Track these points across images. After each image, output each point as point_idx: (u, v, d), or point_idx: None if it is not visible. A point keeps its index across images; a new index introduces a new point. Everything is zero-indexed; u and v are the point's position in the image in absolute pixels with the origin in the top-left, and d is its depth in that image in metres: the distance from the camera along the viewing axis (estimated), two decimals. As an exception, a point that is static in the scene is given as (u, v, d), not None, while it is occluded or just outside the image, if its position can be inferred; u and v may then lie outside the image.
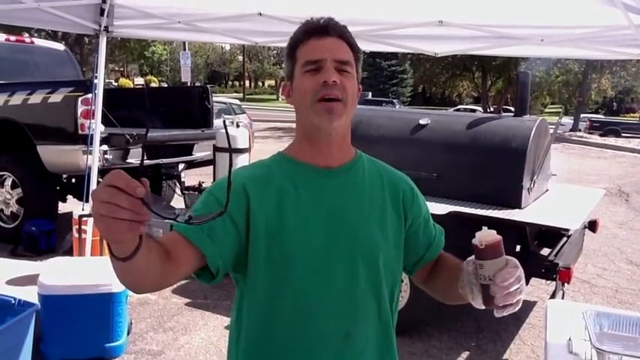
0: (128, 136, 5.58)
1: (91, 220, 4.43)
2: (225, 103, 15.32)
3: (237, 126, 6.01)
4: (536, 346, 3.90)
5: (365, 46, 3.83)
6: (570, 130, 24.85)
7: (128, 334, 3.72)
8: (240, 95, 49.17)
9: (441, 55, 4.41)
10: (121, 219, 0.83)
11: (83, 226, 4.57)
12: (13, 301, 2.87)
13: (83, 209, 4.78)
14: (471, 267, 1.15)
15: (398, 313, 1.34)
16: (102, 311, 3.41)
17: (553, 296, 3.70)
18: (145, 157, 6.05)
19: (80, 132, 5.28)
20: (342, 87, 1.19)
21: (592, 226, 4.43)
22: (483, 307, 1.15)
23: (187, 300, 4.53)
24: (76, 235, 4.66)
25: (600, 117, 31.06)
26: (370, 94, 26.35)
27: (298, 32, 1.25)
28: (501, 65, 24.01)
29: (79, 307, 3.35)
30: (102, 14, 4.33)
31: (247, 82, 66.41)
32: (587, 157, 17.11)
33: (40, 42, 7.74)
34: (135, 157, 5.84)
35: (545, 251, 4.07)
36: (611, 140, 22.17)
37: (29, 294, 3.18)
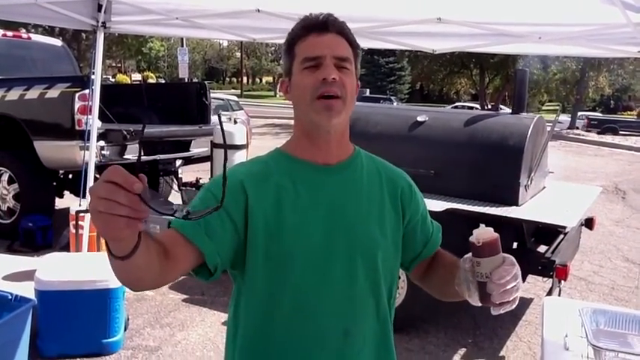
0: (125, 132, 5.57)
1: (87, 216, 4.42)
2: (222, 100, 15.32)
3: (235, 122, 5.99)
4: (533, 343, 3.91)
5: (363, 43, 3.82)
6: (568, 128, 24.89)
7: (125, 329, 3.72)
8: (238, 92, 49.08)
9: (439, 52, 4.41)
10: (119, 215, 0.82)
11: (80, 222, 4.56)
12: (10, 297, 2.87)
13: (80, 205, 4.77)
14: (468, 264, 1.14)
15: (395, 310, 1.35)
16: (99, 307, 3.41)
17: (550, 293, 3.71)
18: (142, 153, 6.05)
19: (77, 128, 5.27)
20: (341, 84, 1.18)
21: (589, 223, 4.44)
22: (480, 305, 1.15)
23: (184, 296, 4.53)
24: (72, 230, 4.65)
25: (598, 115, 31.08)
26: (368, 91, 26.28)
27: (297, 28, 1.24)
28: (499, 63, 24.01)
29: (76, 302, 3.34)
30: (99, 10, 4.32)
31: (245, 79, 66.26)
32: (585, 154, 17.13)
33: (37, 38, 7.70)
34: (132, 153, 5.82)
35: (542, 248, 4.08)
36: (608, 138, 22.20)
37: (26, 289, 3.18)
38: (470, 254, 1.14)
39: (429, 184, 3.64)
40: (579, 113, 27.55)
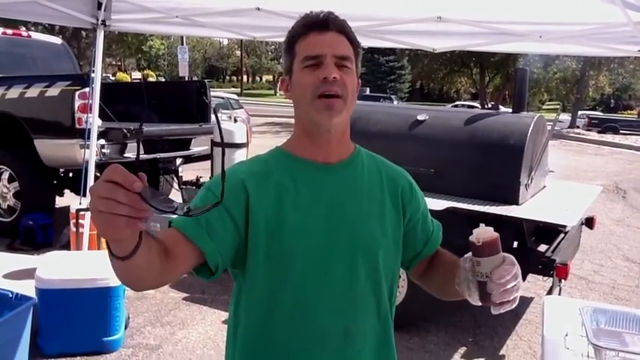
0: (125, 131, 5.56)
1: (88, 215, 4.42)
2: (222, 98, 15.33)
3: (235, 121, 5.99)
4: (533, 342, 3.91)
5: (363, 42, 3.81)
6: (568, 127, 24.88)
7: (126, 328, 3.72)
8: (238, 90, 49.05)
9: (439, 51, 4.40)
10: (119, 215, 0.82)
11: (80, 220, 4.56)
12: (11, 295, 2.87)
13: (80, 203, 4.77)
14: (468, 264, 1.14)
15: (395, 308, 1.34)
16: (99, 305, 3.41)
17: (550, 292, 3.71)
18: (141, 152, 6.04)
19: (77, 126, 5.26)
20: (342, 83, 1.17)
21: (589, 222, 4.44)
22: (480, 304, 1.15)
23: (185, 294, 4.53)
24: (73, 229, 4.65)
25: (599, 114, 31.06)
26: (368, 89, 26.32)
27: (297, 26, 1.23)
28: (499, 62, 24.00)
29: (77, 301, 3.34)
30: (99, 8, 4.32)
31: (245, 77, 66.22)
32: (585, 153, 17.13)
33: (37, 36, 7.70)
34: (132, 152, 5.82)
35: (542, 247, 4.08)
36: (608, 137, 22.20)
37: (26, 288, 3.19)
38: (470, 254, 1.14)
39: (429, 182, 3.64)
40: (580, 112, 27.56)
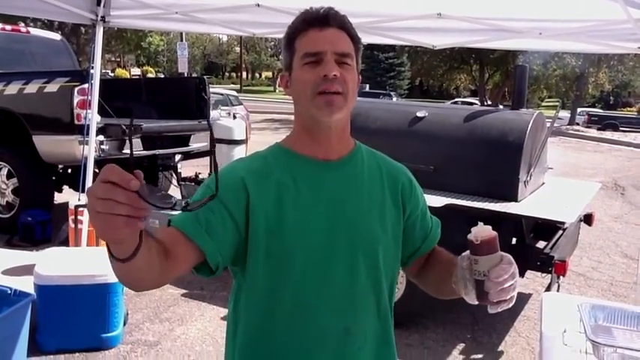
0: (124, 127, 5.56)
1: (87, 211, 4.41)
2: (222, 95, 15.28)
3: (234, 117, 5.99)
4: (532, 338, 3.92)
5: (362, 38, 3.79)
6: (567, 124, 24.87)
7: (124, 324, 3.72)
8: (238, 87, 49.01)
9: (438, 47, 4.40)
10: (118, 215, 0.81)
11: (79, 217, 4.56)
12: (9, 291, 2.88)
13: (79, 199, 4.77)
14: (466, 262, 1.14)
15: (394, 305, 1.34)
16: (98, 302, 3.42)
17: (548, 289, 3.72)
18: (140, 148, 6.04)
19: (76, 122, 5.26)
20: (342, 80, 1.16)
21: (588, 219, 4.44)
22: (477, 303, 1.15)
23: (184, 291, 4.54)
24: (72, 225, 4.65)
25: (599, 111, 31.10)
26: (367, 86, 26.31)
27: (297, 21, 1.22)
28: (499, 58, 23.94)
29: (75, 297, 3.35)
30: (98, 4, 4.30)
31: (244, 74, 66.18)
32: (584, 150, 17.15)
33: (36, 32, 7.67)
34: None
35: (541, 244, 4.08)
36: (607, 134, 22.21)
37: (25, 284, 3.18)
38: (468, 252, 1.14)
39: (428, 179, 3.63)
40: (580, 109, 27.56)
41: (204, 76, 8.54)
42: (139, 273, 0.99)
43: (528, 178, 3.91)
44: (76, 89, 5.28)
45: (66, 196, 6.01)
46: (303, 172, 1.22)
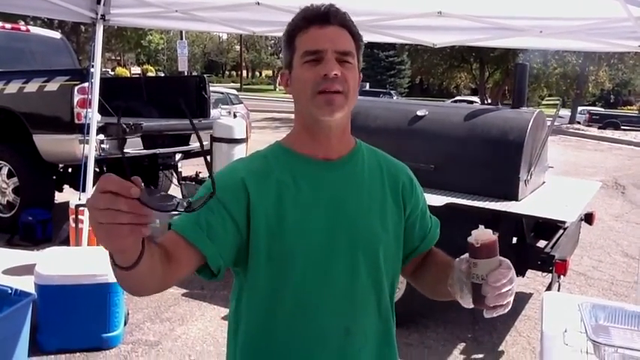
0: (125, 126, 5.55)
1: (87, 211, 4.41)
2: (222, 93, 15.28)
3: (235, 116, 5.97)
4: (532, 338, 3.92)
5: (363, 37, 3.80)
6: (568, 123, 24.86)
7: (125, 324, 3.72)
8: (238, 85, 49.01)
9: (439, 46, 4.40)
10: (122, 223, 0.80)
11: (80, 216, 4.56)
12: (10, 291, 2.87)
13: (80, 199, 4.77)
14: (464, 265, 1.13)
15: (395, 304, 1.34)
16: (99, 301, 3.41)
17: (549, 288, 3.72)
18: (140, 147, 6.03)
19: (76, 121, 5.26)
20: (343, 79, 1.15)
21: (588, 218, 4.43)
22: (472, 307, 1.14)
23: (184, 290, 4.53)
24: (72, 224, 4.65)
25: (600, 110, 31.08)
26: (368, 85, 26.29)
27: (297, 19, 1.20)
28: (499, 57, 23.94)
29: (76, 297, 3.34)
30: (99, 2, 4.30)
31: (244, 72, 66.14)
32: (584, 149, 17.13)
33: (36, 30, 7.66)
34: (131, 147, 5.81)
35: (541, 243, 4.07)
36: (608, 133, 22.20)
37: (25, 284, 3.18)
38: (466, 255, 1.13)
39: (428, 178, 3.63)
40: (580, 108, 27.54)
41: (205, 75, 8.53)
42: (143, 279, 0.99)
43: (529, 177, 3.90)
44: (76, 88, 5.27)
45: (66, 195, 6.01)
46: (303, 171, 1.22)
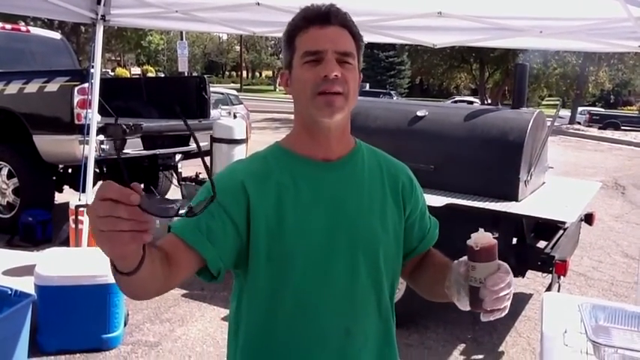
0: (125, 127, 5.55)
1: (88, 217, 4.40)
2: (222, 94, 15.29)
3: (235, 117, 5.97)
4: (532, 339, 3.92)
5: (363, 37, 3.80)
6: (568, 123, 24.86)
7: (125, 325, 3.72)
8: (238, 86, 49.03)
9: (439, 46, 4.40)
10: (123, 231, 0.80)
11: (80, 217, 4.56)
12: (10, 292, 2.87)
13: (80, 200, 4.77)
14: (463, 268, 1.13)
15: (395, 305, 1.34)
16: (99, 302, 3.41)
17: (549, 289, 3.72)
18: (140, 148, 6.03)
19: (76, 122, 5.26)
20: (343, 80, 1.15)
21: (588, 218, 4.43)
22: (468, 310, 1.14)
23: (184, 291, 4.53)
24: (72, 225, 4.65)
25: (600, 110, 31.08)
26: (367, 85, 26.28)
27: (297, 18, 1.20)
28: (499, 57, 23.95)
29: (76, 297, 3.34)
30: (99, 3, 4.30)
31: (244, 73, 66.16)
32: (584, 149, 17.14)
33: (36, 31, 7.66)
34: (131, 148, 5.81)
35: (541, 244, 4.07)
36: (608, 133, 22.20)
37: (25, 284, 3.18)
38: (465, 257, 1.13)
39: (428, 179, 3.63)
40: (581, 108, 27.53)
41: (205, 75, 8.53)
42: (144, 284, 0.99)
43: (529, 177, 3.90)
44: (76, 89, 5.27)
45: (66, 196, 6.01)
46: (303, 172, 1.21)
